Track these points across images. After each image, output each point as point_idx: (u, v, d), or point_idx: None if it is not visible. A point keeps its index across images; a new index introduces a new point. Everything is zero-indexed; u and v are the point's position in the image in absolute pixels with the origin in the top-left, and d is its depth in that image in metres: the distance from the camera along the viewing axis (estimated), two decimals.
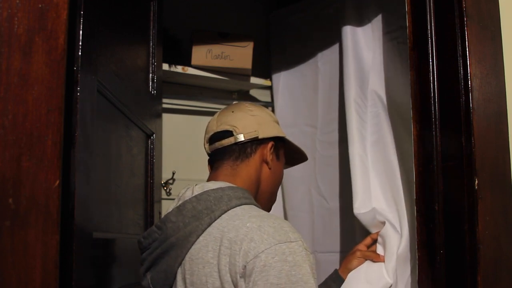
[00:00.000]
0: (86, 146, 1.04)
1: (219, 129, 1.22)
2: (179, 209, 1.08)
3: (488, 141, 1.17)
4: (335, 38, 2.00)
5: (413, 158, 1.26)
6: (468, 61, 1.17)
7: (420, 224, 1.24)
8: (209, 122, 1.28)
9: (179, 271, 1.06)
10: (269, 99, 2.40)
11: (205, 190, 1.10)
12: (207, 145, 1.26)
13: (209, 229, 1.04)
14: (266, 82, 2.31)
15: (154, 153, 1.72)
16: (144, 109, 1.66)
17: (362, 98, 1.73)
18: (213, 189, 1.10)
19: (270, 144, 1.25)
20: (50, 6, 0.87)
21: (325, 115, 2.03)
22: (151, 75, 1.74)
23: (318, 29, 2.12)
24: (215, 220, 1.05)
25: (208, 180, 1.22)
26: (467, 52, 1.17)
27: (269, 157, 1.24)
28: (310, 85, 2.12)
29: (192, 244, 1.04)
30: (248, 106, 1.27)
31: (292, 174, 1.97)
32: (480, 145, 1.15)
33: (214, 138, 1.23)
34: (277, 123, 1.31)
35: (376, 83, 1.73)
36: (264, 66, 2.34)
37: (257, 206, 1.13)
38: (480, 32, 1.21)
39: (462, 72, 1.18)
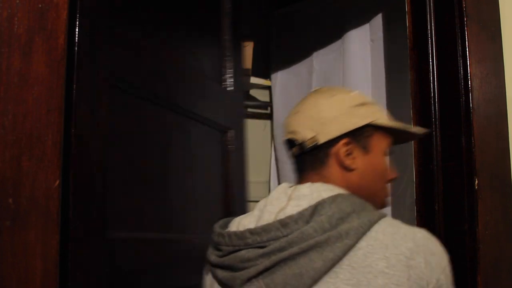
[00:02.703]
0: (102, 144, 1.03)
1: (286, 137, 1.07)
2: (316, 209, 0.91)
3: (488, 141, 1.17)
4: (332, 38, 2.00)
5: (413, 158, 1.27)
6: (468, 61, 1.17)
7: (420, 224, 1.24)
8: None
9: (326, 278, 0.86)
10: (268, 99, 2.40)
11: (335, 193, 0.94)
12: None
13: (371, 234, 0.88)
14: (266, 82, 2.32)
15: (231, 150, 1.62)
16: (216, 105, 1.57)
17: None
18: (344, 194, 0.95)
19: (340, 145, 1.01)
20: (50, 6, 0.87)
21: None
22: (225, 70, 1.65)
23: (316, 29, 2.13)
24: (373, 224, 0.89)
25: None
26: (467, 52, 1.18)
27: (344, 159, 1.01)
28: (304, 84, 2.13)
29: (350, 248, 0.87)
30: (316, 99, 1.06)
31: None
32: (480, 145, 1.15)
33: (287, 145, 1.08)
34: (363, 105, 1.05)
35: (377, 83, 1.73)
36: (264, 66, 2.34)
37: None
38: (480, 32, 1.21)
39: (462, 72, 1.18)
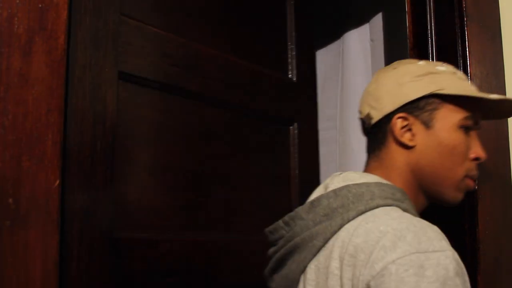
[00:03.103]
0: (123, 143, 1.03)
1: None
2: (312, 204, 0.87)
3: (488, 141, 1.17)
4: (332, 38, 2.00)
5: None
6: (468, 61, 1.17)
7: None
8: None
9: (302, 279, 0.86)
10: None
11: (347, 183, 0.87)
12: None
13: (340, 232, 0.82)
14: None
15: (297, 145, 1.53)
16: (276, 97, 1.50)
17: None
18: (357, 184, 0.87)
19: (394, 120, 0.92)
20: (50, 6, 0.87)
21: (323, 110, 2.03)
22: (290, 60, 1.58)
23: (315, 29, 2.13)
24: (348, 221, 0.82)
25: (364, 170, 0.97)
26: (467, 52, 1.18)
27: (401, 136, 0.91)
28: None
29: (319, 249, 0.83)
30: (379, 74, 0.99)
31: None
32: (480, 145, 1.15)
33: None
34: (428, 74, 0.93)
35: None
36: None
37: (409, 211, 0.86)
38: (480, 32, 1.21)
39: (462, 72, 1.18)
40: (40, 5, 0.86)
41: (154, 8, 1.21)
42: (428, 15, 1.25)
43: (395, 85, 0.93)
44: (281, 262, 0.91)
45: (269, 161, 1.46)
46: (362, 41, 1.98)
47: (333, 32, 1.98)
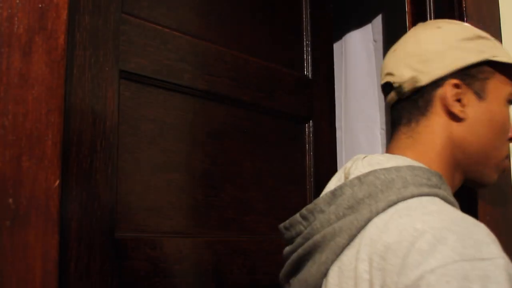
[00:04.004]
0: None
1: (382, 81, 0.86)
2: (334, 194, 0.74)
3: None
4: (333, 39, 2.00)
5: None
6: None
7: None
8: None
9: (324, 284, 0.73)
10: None
11: (374, 168, 0.75)
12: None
13: (368, 227, 0.70)
14: None
15: (312, 142, 1.49)
16: (291, 95, 1.46)
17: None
18: (385, 168, 0.74)
19: (447, 86, 0.80)
20: (50, 6, 0.87)
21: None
22: (305, 56, 1.53)
23: None
24: (376, 214, 0.70)
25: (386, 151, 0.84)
26: None
27: (453, 105, 0.79)
28: None
29: (343, 248, 0.71)
30: (417, 32, 0.86)
31: None
32: None
33: (384, 91, 0.87)
34: (479, 38, 0.82)
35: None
36: None
37: (448, 199, 0.74)
38: None
39: None
40: (40, 5, 0.86)
41: (158, 5, 1.20)
42: (428, 15, 1.25)
43: (444, 46, 0.80)
44: (299, 264, 0.78)
45: (283, 160, 1.44)
46: (364, 42, 1.98)
47: (333, 33, 1.98)
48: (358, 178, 0.74)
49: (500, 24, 1.25)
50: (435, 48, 0.81)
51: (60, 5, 0.88)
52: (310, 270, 0.75)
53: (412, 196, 0.70)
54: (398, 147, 0.82)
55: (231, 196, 1.29)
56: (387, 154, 0.80)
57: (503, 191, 1.18)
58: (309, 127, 1.51)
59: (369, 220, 0.70)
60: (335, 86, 1.81)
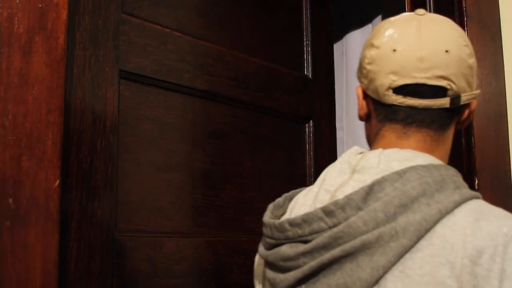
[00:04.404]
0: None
1: (430, 82, 0.75)
2: (371, 189, 0.69)
3: (488, 141, 1.17)
4: (334, 39, 2.00)
5: None
6: None
7: None
8: (397, 48, 0.77)
9: (378, 285, 0.66)
10: None
11: (411, 164, 0.71)
12: (393, 94, 0.77)
13: (437, 229, 0.66)
14: None
15: (312, 142, 1.50)
16: (291, 95, 1.46)
17: None
18: (424, 166, 0.71)
19: (472, 105, 0.81)
20: (50, 6, 0.87)
21: None
22: (306, 56, 1.53)
23: None
24: (446, 214, 0.66)
25: (385, 147, 0.79)
26: None
27: (468, 122, 0.84)
28: None
29: (407, 250, 0.65)
30: (463, 39, 0.79)
31: None
32: (480, 145, 1.15)
33: (418, 90, 0.76)
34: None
35: None
36: None
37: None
38: (480, 32, 1.21)
39: None
40: (40, 5, 0.86)
41: (158, 5, 1.20)
42: None
43: (475, 71, 0.81)
44: (324, 267, 0.69)
45: (283, 159, 1.44)
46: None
47: (334, 33, 1.98)
48: (398, 173, 0.69)
49: (500, 24, 1.25)
50: (475, 71, 0.80)
51: (60, 5, 0.88)
52: (352, 274, 0.67)
53: (471, 198, 0.70)
54: (422, 147, 0.78)
55: (231, 196, 1.29)
56: (411, 150, 0.76)
57: (503, 191, 1.18)
58: (309, 127, 1.51)
59: (438, 221, 0.66)
60: (336, 86, 1.82)
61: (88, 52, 1.02)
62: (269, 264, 0.77)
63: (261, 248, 0.80)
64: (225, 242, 1.25)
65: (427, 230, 0.66)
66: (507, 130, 1.22)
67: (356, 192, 0.69)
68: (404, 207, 0.67)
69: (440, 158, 0.78)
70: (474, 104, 0.82)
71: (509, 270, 0.60)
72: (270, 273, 0.76)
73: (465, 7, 1.18)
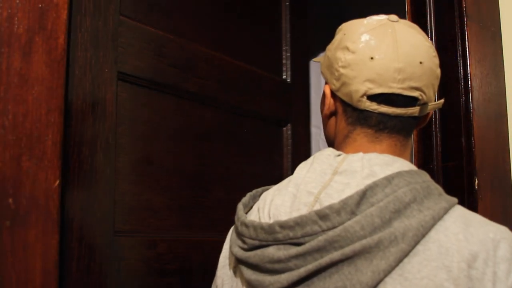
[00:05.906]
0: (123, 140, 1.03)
1: (405, 92, 0.77)
2: (365, 195, 0.70)
3: (488, 141, 1.17)
4: (331, 39, 2.00)
5: (413, 158, 1.26)
6: (468, 61, 1.17)
7: None
8: (377, 56, 0.78)
9: None
10: None
11: (391, 169, 0.74)
12: (367, 101, 0.79)
13: (432, 234, 0.69)
14: None
15: (290, 145, 1.54)
16: (271, 98, 1.50)
17: None
18: (407, 172, 0.73)
19: (431, 112, 0.86)
20: (50, 6, 0.87)
21: None
22: (285, 61, 1.58)
23: (316, 29, 2.13)
24: (438, 220, 0.70)
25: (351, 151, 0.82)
26: (467, 52, 1.17)
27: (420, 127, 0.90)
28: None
29: (406, 254, 0.67)
30: (433, 50, 0.82)
31: None
32: (480, 145, 1.15)
33: (392, 99, 0.78)
34: None
35: None
36: None
37: None
38: (480, 32, 1.21)
39: (462, 72, 1.18)
40: (40, 5, 0.86)
41: (153, 9, 1.21)
42: (428, 15, 1.25)
43: (439, 80, 0.85)
44: (320, 270, 0.69)
45: (264, 161, 1.48)
46: None
47: (333, 33, 1.98)
48: (387, 179, 0.72)
49: (500, 24, 1.25)
50: (439, 73, 0.83)
51: (60, 5, 0.88)
52: (354, 278, 0.67)
53: (454, 204, 0.74)
54: (394, 152, 0.81)
55: (217, 197, 1.31)
56: (389, 155, 0.78)
57: (503, 191, 1.18)
58: (287, 130, 1.56)
59: (432, 226, 0.70)
60: (317, 89, 1.84)
61: (89, 53, 1.02)
62: (250, 265, 0.75)
63: (236, 249, 0.77)
64: (214, 241, 1.25)
65: (423, 236, 0.69)
66: (507, 130, 1.22)
67: (351, 197, 0.70)
68: (398, 212, 0.69)
69: (408, 161, 0.80)
70: (431, 113, 0.87)
71: (499, 273, 0.67)
72: (252, 275, 0.74)
73: (465, 7, 1.18)
